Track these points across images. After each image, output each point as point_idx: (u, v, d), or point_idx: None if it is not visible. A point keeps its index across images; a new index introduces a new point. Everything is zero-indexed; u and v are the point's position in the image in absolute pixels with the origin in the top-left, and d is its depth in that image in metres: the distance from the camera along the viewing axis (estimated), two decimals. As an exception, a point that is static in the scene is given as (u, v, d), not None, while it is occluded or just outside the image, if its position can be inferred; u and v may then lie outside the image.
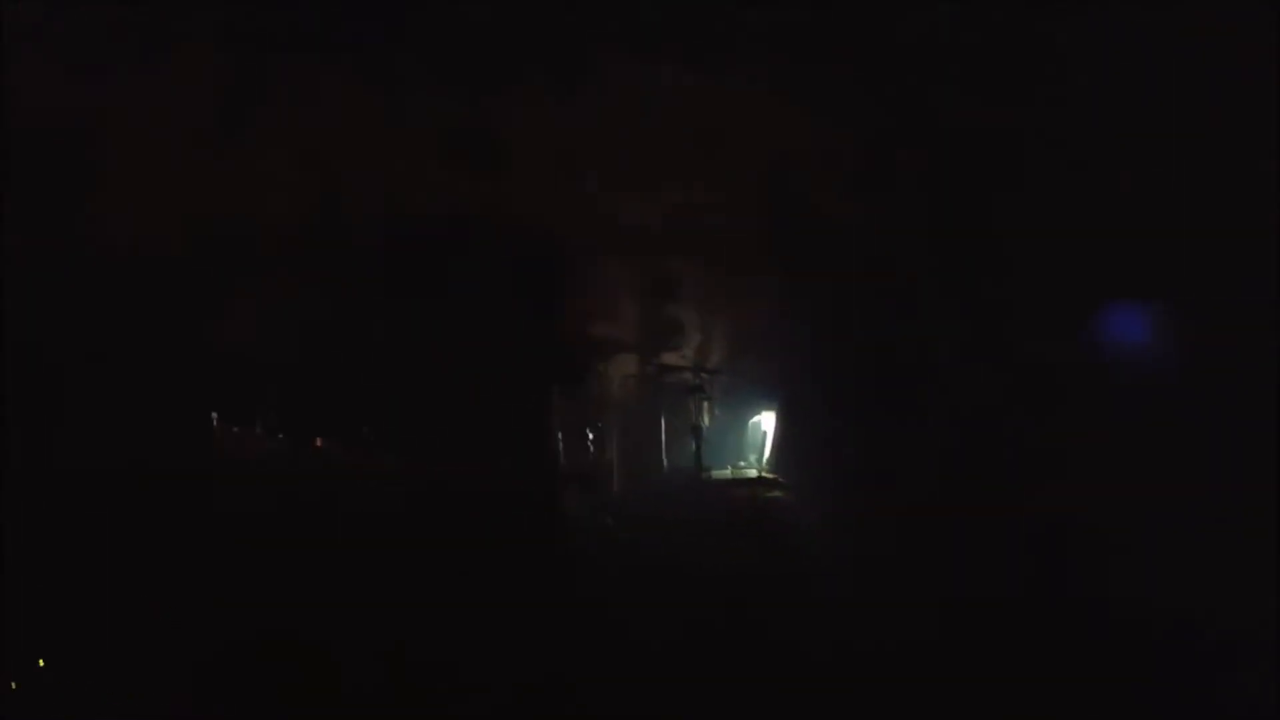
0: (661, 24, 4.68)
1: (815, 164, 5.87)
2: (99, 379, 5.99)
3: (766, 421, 9.92)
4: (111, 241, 5.28)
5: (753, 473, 9.95)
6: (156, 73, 4.55)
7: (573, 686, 5.28)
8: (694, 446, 8.24)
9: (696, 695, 5.41)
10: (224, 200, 5.28)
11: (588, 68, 4.83)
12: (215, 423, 6.98)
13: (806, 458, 8.92)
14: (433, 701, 5.25)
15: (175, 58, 4.48)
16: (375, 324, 6.33)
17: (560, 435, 7.50)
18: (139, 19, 4.50)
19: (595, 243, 6.55)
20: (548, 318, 6.35)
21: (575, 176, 5.60)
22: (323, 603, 5.80)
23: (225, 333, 6.10)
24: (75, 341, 5.87)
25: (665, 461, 9.01)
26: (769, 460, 9.93)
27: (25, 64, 4.65)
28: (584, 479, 7.81)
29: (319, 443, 7.17)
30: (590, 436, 8.44)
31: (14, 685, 5.26)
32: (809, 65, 5.14)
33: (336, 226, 5.47)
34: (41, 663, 5.47)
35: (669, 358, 8.51)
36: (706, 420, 8.37)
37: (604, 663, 5.57)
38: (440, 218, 5.77)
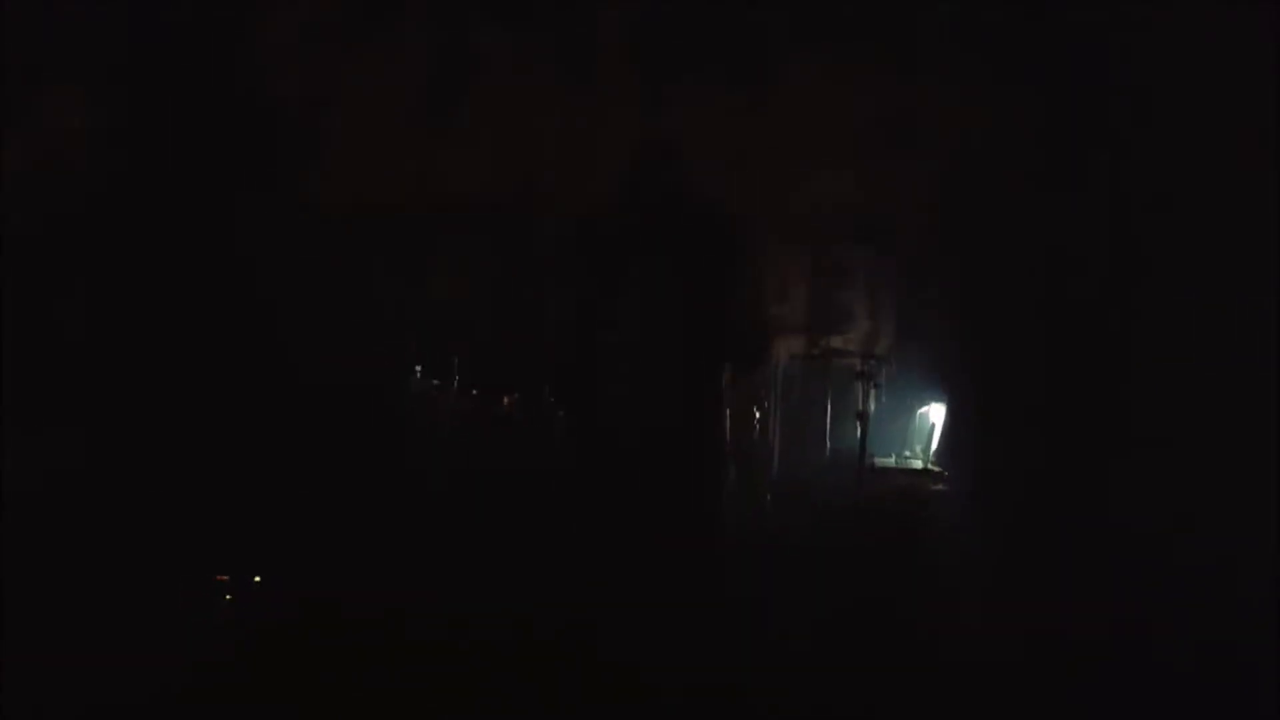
0: (842, 20, 4.89)
1: (993, 156, 5.93)
2: (319, 331, 6.75)
3: (935, 413, 9.83)
4: (331, 204, 5.96)
5: (917, 464, 9.90)
6: (376, 54, 5.14)
7: (717, 654, 5.56)
8: (858, 433, 8.34)
9: (840, 682, 5.61)
10: (431, 172, 5.85)
11: (768, 61, 5.09)
12: (418, 376, 7.74)
13: (975, 453, 8.85)
14: (593, 658, 5.60)
15: (391, 42, 5.05)
16: (563, 298, 6.85)
17: (727, 413, 7.82)
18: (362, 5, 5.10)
19: (770, 227, 6.83)
20: (721, 298, 6.69)
21: (752, 164, 5.89)
22: (499, 562, 6.30)
23: (430, 295, 6.76)
24: (295, 295, 6.64)
25: (828, 446, 9.16)
26: (935, 453, 9.86)
27: (266, 42, 5.33)
28: (746, 457, 8.10)
29: (506, 401, 7.80)
30: (756, 416, 8.70)
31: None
32: (990, 60, 5.23)
33: (532, 204, 5.97)
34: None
35: (837, 342, 8.66)
36: (872, 407, 8.47)
37: (751, 639, 5.84)
38: (625, 201, 6.21)
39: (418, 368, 7.75)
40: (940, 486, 9.18)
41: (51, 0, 5.73)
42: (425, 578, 6.10)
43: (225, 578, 6.31)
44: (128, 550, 5.92)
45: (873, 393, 8.72)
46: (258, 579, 6.40)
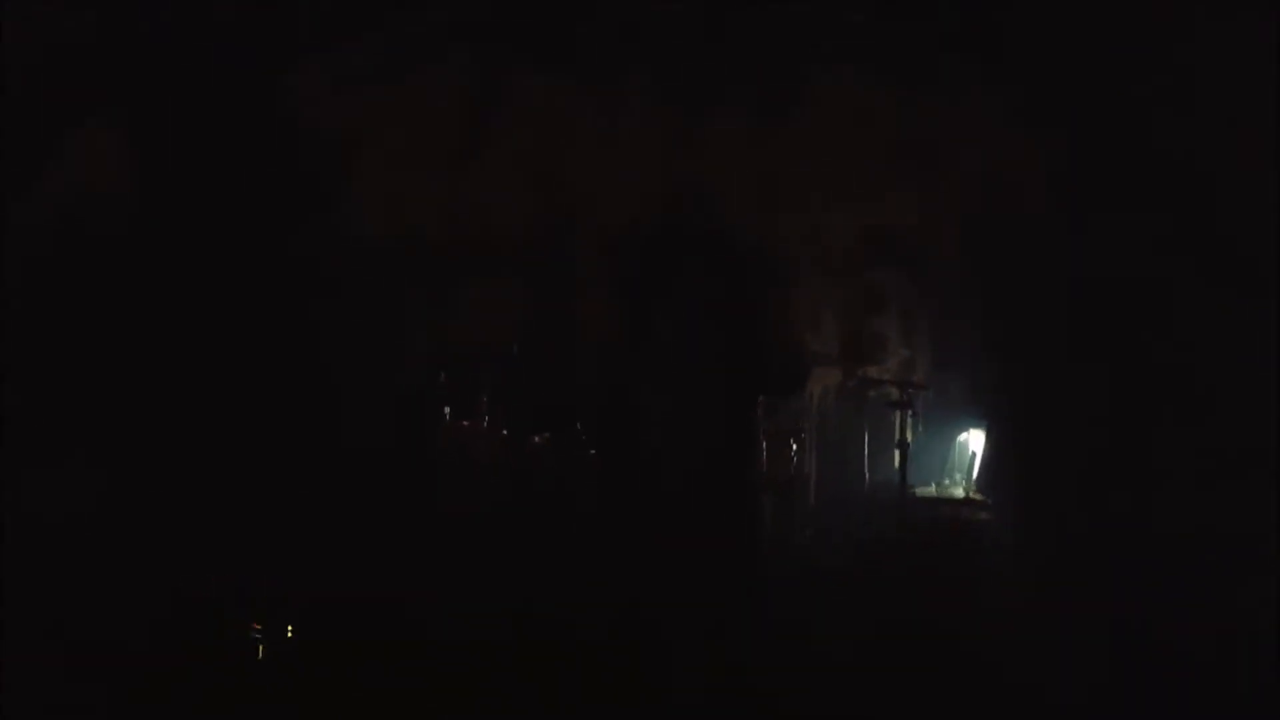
0: (868, 43, 4.85)
1: (1023, 180, 5.86)
2: (343, 366, 6.74)
3: (975, 441, 9.67)
4: (358, 237, 6.00)
5: (959, 493, 9.72)
6: (411, 89, 5.20)
7: (757, 692, 5.42)
8: (898, 462, 8.18)
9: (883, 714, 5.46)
10: (461, 204, 5.86)
11: (796, 86, 5.05)
12: (447, 417, 7.68)
13: (1017, 481, 8.67)
14: (621, 700, 5.49)
15: (421, 74, 5.11)
16: (594, 330, 6.79)
17: (764, 445, 7.69)
18: (393, 36, 5.16)
19: (803, 256, 6.76)
20: (755, 329, 6.60)
21: (783, 192, 5.83)
22: (524, 597, 6.22)
23: (458, 330, 6.75)
24: (318, 327, 6.65)
25: (867, 476, 9.01)
26: (976, 481, 9.67)
27: (301, 75, 5.41)
28: (784, 489, 7.97)
29: (537, 439, 7.73)
30: (794, 448, 8.58)
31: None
32: (1017, 82, 5.17)
33: (562, 235, 5.96)
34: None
35: (873, 371, 8.54)
36: (910, 437, 8.32)
37: (791, 672, 5.70)
38: (656, 230, 6.16)
39: (447, 408, 7.70)
40: (984, 515, 9.01)
41: (88, 41, 5.86)
42: (454, 612, 6.01)
43: (259, 626, 6.24)
44: (140, 563, 5.93)
45: (910, 421, 8.57)
46: (290, 631, 6.33)
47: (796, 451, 8.47)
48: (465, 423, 7.72)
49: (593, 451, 7.33)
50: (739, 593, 5.81)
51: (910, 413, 8.46)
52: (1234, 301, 5.45)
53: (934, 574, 7.29)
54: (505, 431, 7.73)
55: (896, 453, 8.34)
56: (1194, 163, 5.17)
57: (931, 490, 9.75)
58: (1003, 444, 9.12)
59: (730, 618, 5.76)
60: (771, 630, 5.90)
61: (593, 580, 6.15)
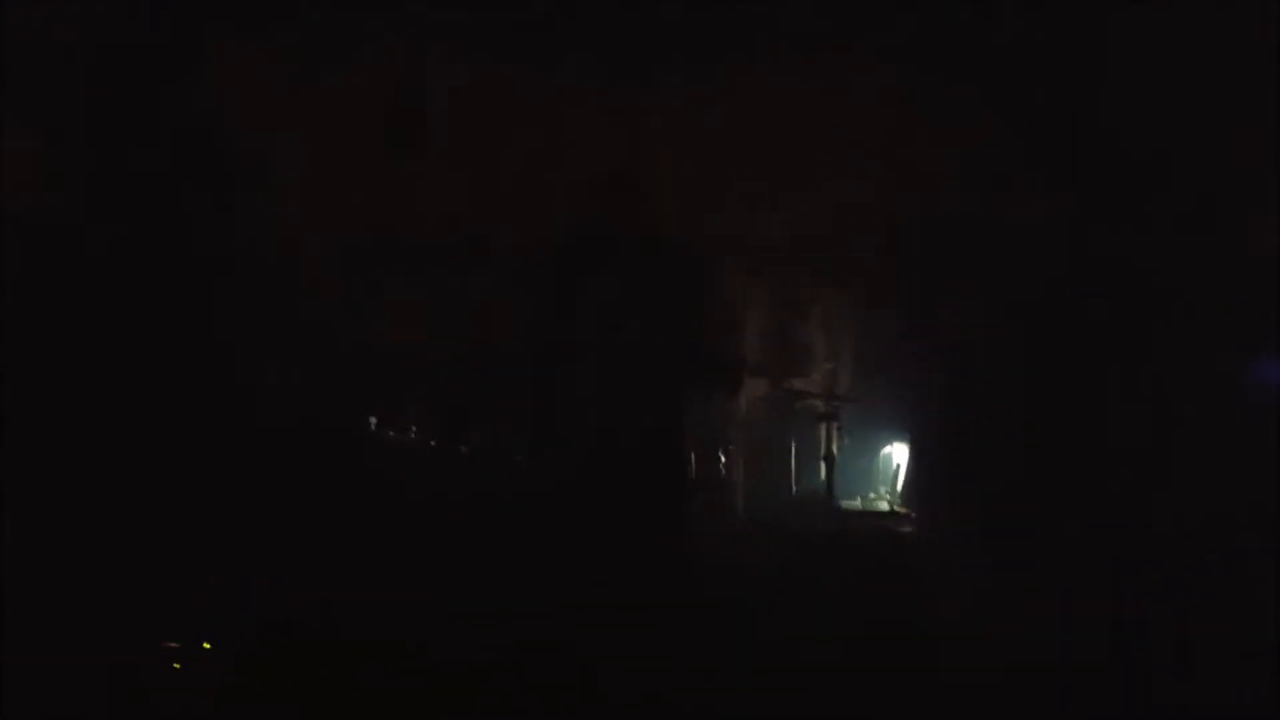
0: (788, 37, 4.95)
1: (949, 179, 5.99)
2: (267, 370, 6.62)
3: (899, 453, 9.81)
4: (283, 241, 5.91)
5: (884, 505, 9.83)
6: (332, 86, 5.17)
7: (694, 689, 5.41)
8: (824, 475, 8.27)
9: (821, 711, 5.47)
10: (385, 205, 5.82)
11: (716, 82, 5.14)
12: (373, 425, 7.56)
13: (940, 491, 8.81)
14: (560, 700, 5.44)
15: (346, 74, 5.09)
16: (519, 333, 6.77)
17: (691, 453, 7.71)
18: (319, 33, 5.13)
19: (728, 262, 6.83)
20: (680, 333, 6.64)
21: (706, 193, 5.90)
22: (459, 602, 6.13)
23: (382, 334, 6.66)
24: (244, 334, 6.52)
25: (794, 487, 9.08)
26: (901, 493, 9.80)
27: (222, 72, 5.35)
28: (711, 490, 7.98)
29: (464, 446, 7.64)
30: (723, 459, 8.61)
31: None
32: (941, 75, 5.30)
33: (484, 235, 5.94)
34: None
35: (799, 383, 8.63)
36: (836, 449, 8.41)
37: (728, 668, 5.69)
38: (583, 233, 6.18)
39: (372, 418, 7.58)
40: (907, 528, 9.11)
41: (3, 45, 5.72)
42: (398, 616, 5.91)
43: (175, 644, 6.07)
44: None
45: (837, 433, 8.68)
46: (207, 645, 6.14)
47: (725, 462, 8.51)
48: (392, 432, 7.60)
49: (519, 458, 7.29)
50: (670, 590, 5.79)
51: (837, 425, 8.57)
52: (1172, 296, 5.58)
53: (862, 579, 7.36)
54: (432, 443, 7.64)
55: (823, 465, 8.44)
56: (1166, 159, 5.31)
57: (857, 504, 9.84)
58: (926, 456, 9.27)
59: (662, 616, 5.74)
60: (704, 630, 5.90)
61: (525, 581, 6.09)
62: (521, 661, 5.68)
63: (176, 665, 5.70)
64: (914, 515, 9.39)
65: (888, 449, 9.90)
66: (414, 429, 7.69)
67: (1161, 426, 5.60)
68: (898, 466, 9.84)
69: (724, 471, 8.09)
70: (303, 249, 6.07)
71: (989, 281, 6.41)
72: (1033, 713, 5.37)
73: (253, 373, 6.47)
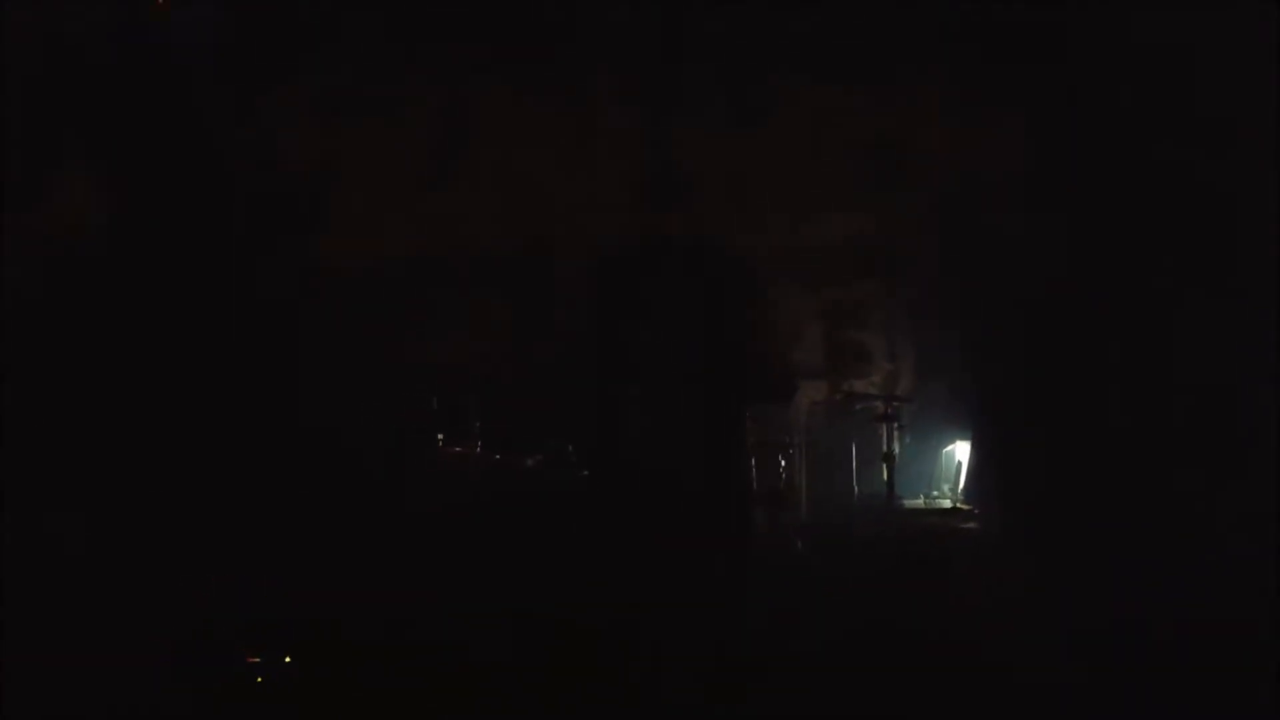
0: (835, 48, 4.96)
1: (1004, 185, 5.96)
2: (338, 396, 6.80)
3: (960, 450, 9.79)
4: (340, 268, 6.06)
5: (946, 503, 9.82)
6: (380, 115, 5.29)
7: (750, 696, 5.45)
8: (885, 475, 8.28)
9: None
10: (436, 229, 5.94)
11: (767, 94, 5.16)
12: (440, 442, 7.73)
13: (1003, 488, 8.76)
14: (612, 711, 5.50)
15: (393, 103, 5.20)
16: (574, 347, 6.87)
17: (753, 460, 7.77)
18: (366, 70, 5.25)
19: (787, 270, 6.86)
20: (737, 340, 6.67)
21: (762, 203, 5.94)
22: (506, 616, 6.25)
23: (437, 353, 6.81)
24: (304, 359, 6.71)
25: (855, 489, 9.11)
26: (963, 491, 9.78)
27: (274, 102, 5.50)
28: (774, 500, 8.05)
29: (530, 462, 7.78)
30: (782, 463, 8.68)
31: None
32: (996, 83, 5.27)
33: (536, 253, 6.03)
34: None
35: (859, 385, 8.67)
36: (897, 448, 8.42)
37: (784, 680, 5.73)
38: (634, 244, 6.25)
39: (440, 435, 7.75)
40: (970, 525, 9.10)
41: (55, 84, 5.95)
42: (453, 634, 6.04)
43: (257, 659, 6.23)
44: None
45: (897, 434, 8.68)
46: (288, 659, 6.30)
47: (785, 467, 8.58)
48: (458, 448, 7.78)
49: (585, 472, 7.40)
50: (734, 601, 5.84)
51: (897, 425, 8.57)
52: (1233, 304, 5.55)
53: (924, 580, 7.36)
54: (498, 456, 7.79)
55: (884, 466, 8.45)
56: (1189, 164, 5.27)
57: (920, 502, 9.86)
58: (988, 453, 9.23)
59: (725, 625, 5.79)
60: (766, 636, 5.94)
61: (588, 597, 6.17)
62: (577, 670, 5.77)
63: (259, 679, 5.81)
64: (976, 511, 9.38)
65: (950, 447, 9.90)
66: (479, 444, 7.86)
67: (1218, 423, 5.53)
68: (959, 464, 9.83)
69: (784, 477, 8.15)
70: (357, 277, 6.24)
71: (1041, 283, 6.36)
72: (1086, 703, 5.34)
73: (316, 401, 6.66)
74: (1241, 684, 5.07)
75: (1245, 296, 5.30)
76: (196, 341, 6.20)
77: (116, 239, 6.22)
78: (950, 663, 5.99)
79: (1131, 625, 5.85)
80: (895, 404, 8.51)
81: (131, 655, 5.38)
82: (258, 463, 6.45)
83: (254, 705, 5.36)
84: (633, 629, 5.44)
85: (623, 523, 5.69)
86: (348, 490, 6.57)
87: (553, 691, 5.49)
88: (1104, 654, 5.74)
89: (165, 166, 6.23)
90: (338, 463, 6.66)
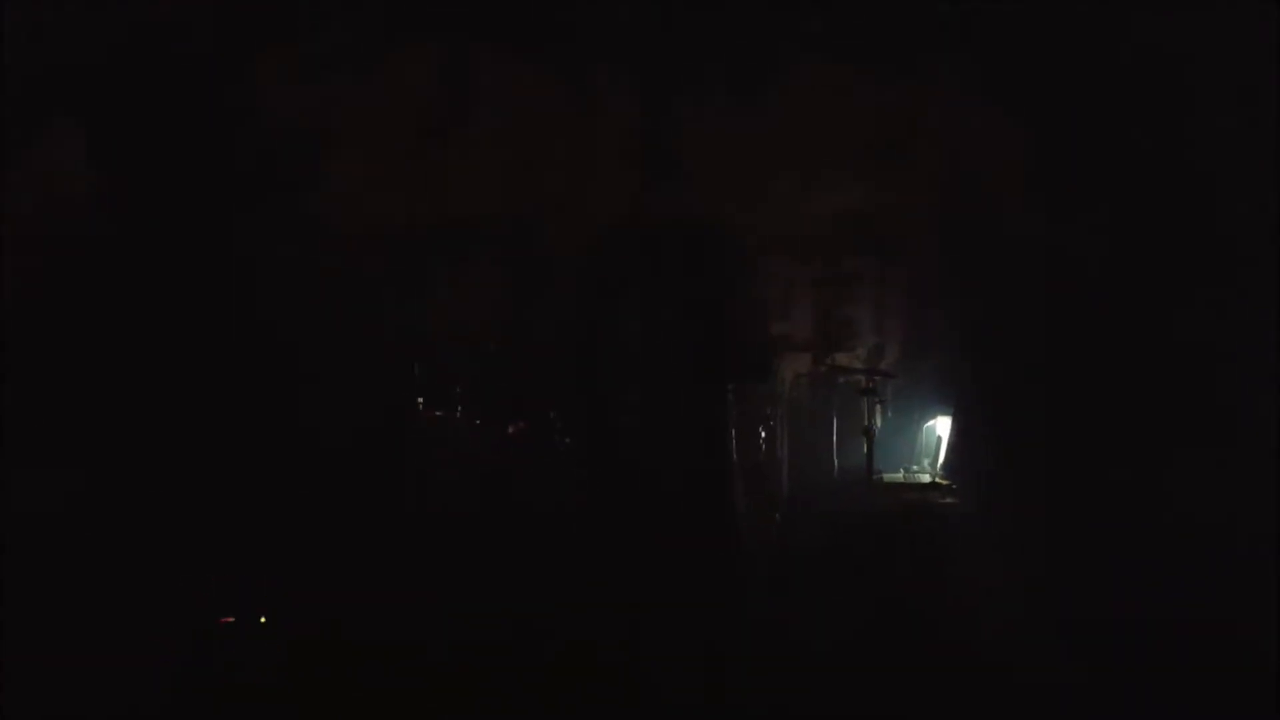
0: (839, 24, 4.88)
1: (996, 163, 5.93)
2: (323, 356, 6.72)
3: (941, 426, 9.85)
4: (332, 232, 5.98)
5: (925, 478, 9.91)
6: (376, 77, 5.17)
7: (734, 675, 5.48)
8: (865, 449, 8.31)
9: (855, 695, 5.54)
10: (430, 196, 5.85)
11: (766, 69, 5.08)
12: (420, 406, 7.68)
13: (982, 465, 8.85)
14: (598, 685, 5.51)
15: (391, 66, 5.09)
16: (564, 318, 6.82)
17: (733, 431, 7.76)
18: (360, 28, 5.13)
19: (772, 242, 6.82)
20: (723, 315, 6.62)
21: (753, 176, 5.87)
22: (498, 588, 6.25)
23: (429, 322, 6.75)
24: (290, 320, 6.63)
25: (836, 463, 9.15)
26: (943, 466, 9.86)
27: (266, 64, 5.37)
28: (755, 474, 8.07)
29: (511, 429, 7.76)
30: (763, 435, 8.69)
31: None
32: (992, 63, 5.22)
33: (530, 223, 5.96)
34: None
35: (842, 359, 8.68)
36: (879, 423, 8.44)
37: (765, 654, 5.77)
38: (625, 216, 6.18)
39: (420, 398, 7.70)
40: (949, 500, 9.19)
41: (47, 38, 5.78)
42: (434, 608, 6.02)
43: (230, 619, 6.20)
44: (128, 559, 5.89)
45: (879, 409, 8.71)
46: (263, 619, 6.28)
47: (766, 439, 8.60)
48: (439, 413, 7.73)
49: (567, 440, 7.39)
50: (719, 577, 5.84)
51: (878, 400, 8.60)
52: (1228, 297, 5.56)
53: (902, 552, 7.43)
54: (478, 421, 7.76)
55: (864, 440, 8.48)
56: (1185, 157, 5.26)
57: (899, 476, 9.94)
58: (968, 430, 9.31)
59: (712, 603, 5.79)
60: (753, 614, 5.96)
61: (573, 569, 6.17)
62: (561, 656, 5.76)
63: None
64: (954, 485, 9.48)
65: (930, 423, 9.98)
66: (458, 409, 7.82)
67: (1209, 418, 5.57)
68: (939, 439, 9.91)
69: (764, 450, 8.17)
70: (349, 240, 6.15)
71: (1027, 262, 6.35)
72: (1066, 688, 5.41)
73: (301, 360, 6.59)
74: (1232, 683, 5.10)
75: (1238, 285, 5.32)
76: (185, 317, 6.10)
77: (105, 206, 6.09)
78: (930, 641, 6.06)
79: (1110, 608, 5.93)
80: (878, 378, 8.52)
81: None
82: (249, 452, 6.39)
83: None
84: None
85: (614, 513, 5.66)
86: (340, 481, 6.52)
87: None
88: (1080, 635, 5.81)
89: (157, 131, 6.09)
90: (331, 454, 6.60)
